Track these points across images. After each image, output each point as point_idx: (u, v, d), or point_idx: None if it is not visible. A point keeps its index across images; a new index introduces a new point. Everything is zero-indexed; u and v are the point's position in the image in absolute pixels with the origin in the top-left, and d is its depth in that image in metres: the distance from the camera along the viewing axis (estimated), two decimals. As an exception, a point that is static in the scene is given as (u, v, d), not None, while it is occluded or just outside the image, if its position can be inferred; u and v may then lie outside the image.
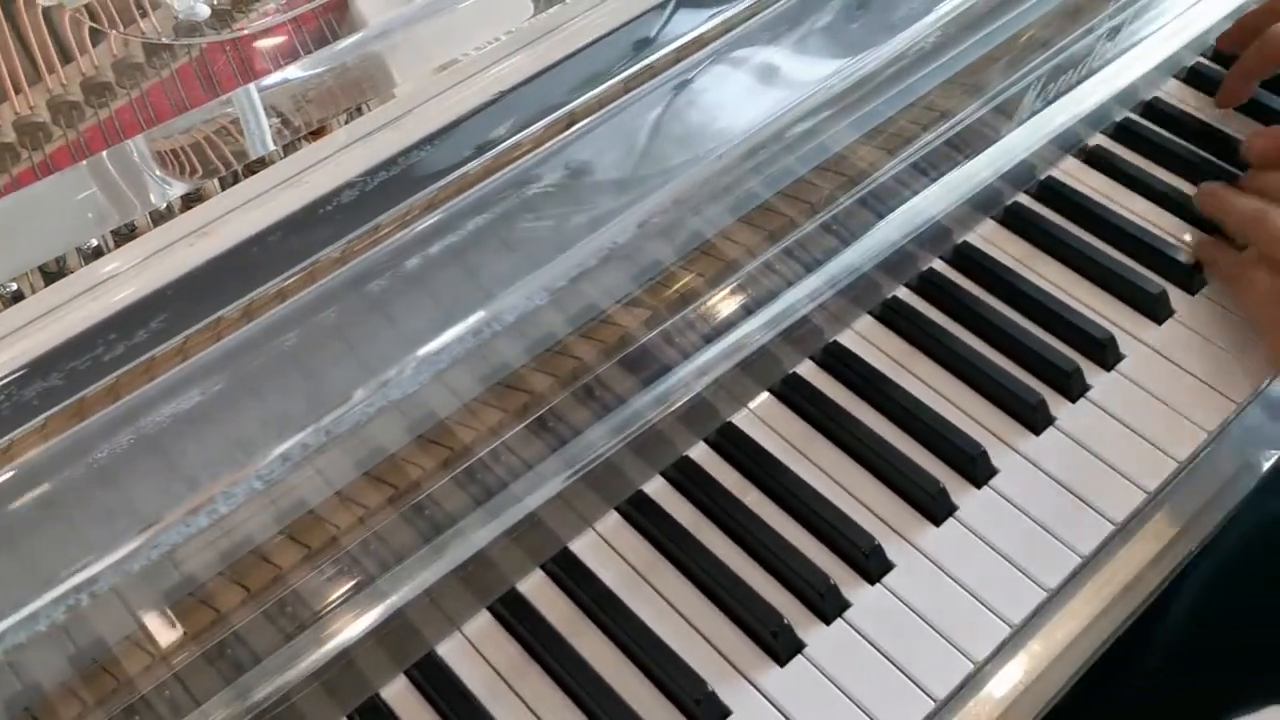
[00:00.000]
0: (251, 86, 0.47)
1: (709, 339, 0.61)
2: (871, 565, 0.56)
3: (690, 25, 0.56)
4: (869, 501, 0.58)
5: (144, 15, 0.50)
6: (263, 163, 0.47)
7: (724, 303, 0.61)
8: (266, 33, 0.49)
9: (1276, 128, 0.72)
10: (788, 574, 0.55)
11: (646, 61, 0.55)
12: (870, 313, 0.66)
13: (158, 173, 0.45)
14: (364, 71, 0.50)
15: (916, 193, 0.67)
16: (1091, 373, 0.63)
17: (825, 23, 0.61)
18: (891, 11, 0.62)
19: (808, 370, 0.63)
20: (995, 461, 0.60)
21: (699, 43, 0.57)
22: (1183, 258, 0.67)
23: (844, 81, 0.61)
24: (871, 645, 0.54)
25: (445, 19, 0.53)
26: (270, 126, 0.47)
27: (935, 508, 0.57)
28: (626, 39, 0.55)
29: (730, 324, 0.61)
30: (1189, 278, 0.66)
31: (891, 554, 0.56)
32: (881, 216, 0.66)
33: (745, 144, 0.57)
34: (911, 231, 0.66)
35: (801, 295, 0.63)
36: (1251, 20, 0.75)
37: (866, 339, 0.65)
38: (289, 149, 0.47)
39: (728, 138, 0.58)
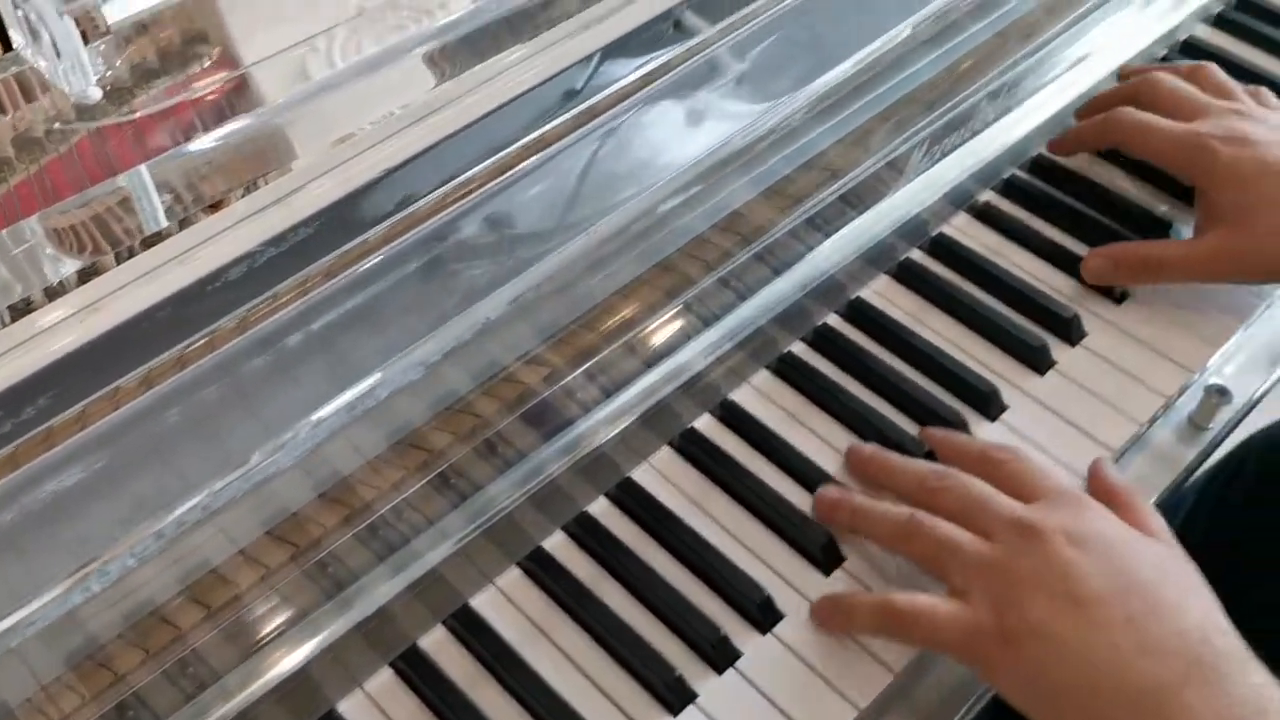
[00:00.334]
0: (143, 167, 0.48)
1: (609, 393, 0.63)
2: (762, 616, 0.58)
3: (583, 96, 0.59)
4: (762, 553, 0.60)
5: (45, 91, 0.51)
6: (159, 237, 0.48)
7: (625, 358, 0.63)
8: (164, 112, 0.50)
9: (1112, 246, 0.72)
10: (681, 626, 0.57)
11: (540, 132, 0.57)
12: (767, 367, 0.68)
13: (50, 250, 0.47)
14: (261, 146, 0.52)
15: (812, 248, 0.70)
16: (976, 423, 0.65)
17: (718, 88, 0.64)
18: (775, 80, 0.64)
19: (705, 424, 0.65)
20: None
21: (591, 112, 0.59)
22: (1064, 312, 0.70)
23: (736, 144, 0.63)
24: (761, 694, 0.56)
25: (343, 94, 0.55)
26: (164, 202, 0.48)
27: (825, 559, 0.60)
28: (522, 110, 0.57)
29: (631, 378, 0.63)
30: (1069, 330, 0.69)
31: (782, 604, 0.58)
32: (778, 272, 0.69)
33: (633, 210, 0.59)
34: (807, 286, 0.69)
35: (699, 350, 0.65)
36: (1105, 98, 0.78)
37: (762, 393, 0.67)
38: (185, 224, 0.48)
39: (622, 199, 0.60)
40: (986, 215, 0.76)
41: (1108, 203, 0.76)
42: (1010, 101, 0.77)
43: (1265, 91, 0.75)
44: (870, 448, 0.62)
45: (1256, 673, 0.49)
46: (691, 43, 0.62)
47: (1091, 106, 0.78)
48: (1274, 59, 0.87)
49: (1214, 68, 0.76)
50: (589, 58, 0.59)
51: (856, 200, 0.71)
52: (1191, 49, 0.87)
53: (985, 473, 0.58)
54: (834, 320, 0.70)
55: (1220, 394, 0.66)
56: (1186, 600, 0.52)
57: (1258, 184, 0.67)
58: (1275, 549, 0.80)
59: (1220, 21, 0.89)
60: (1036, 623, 0.51)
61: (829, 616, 0.57)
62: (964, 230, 0.75)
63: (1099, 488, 0.59)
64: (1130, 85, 0.77)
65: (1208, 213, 0.71)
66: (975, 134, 0.75)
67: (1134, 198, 0.77)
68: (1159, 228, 0.75)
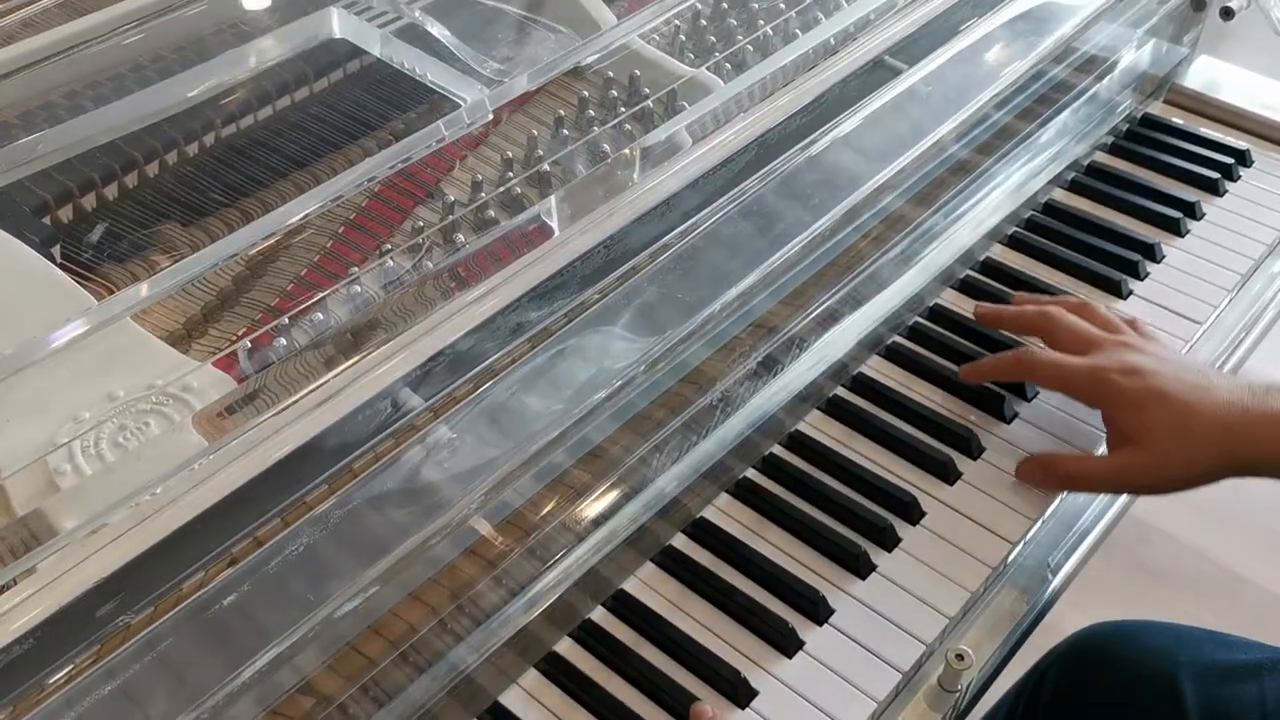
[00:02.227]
0: None
1: (514, 594, 0.69)
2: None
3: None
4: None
5: None
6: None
7: (523, 562, 0.70)
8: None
9: (1042, 456, 0.84)
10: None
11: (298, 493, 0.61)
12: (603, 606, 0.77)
13: None
14: (11, 544, 0.55)
15: (661, 471, 0.79)
16: (804, 629, 0.74)
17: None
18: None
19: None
20: (754, 684, 0.72)
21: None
22: (879, 522, 0.79)
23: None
24: None
25: (96, 484, 0.58)
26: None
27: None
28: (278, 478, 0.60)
29: (532, 579, 0.71)
30: (884, 538, 0.79)
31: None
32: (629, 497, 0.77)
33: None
34: (652, 506, 0.77)
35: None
36: (1008, 319, 0.91)
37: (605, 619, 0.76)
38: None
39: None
40: (837, 409, 0.87)
41: (919, 416, 0.88)
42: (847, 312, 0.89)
43: (1140, 321, 0.88)
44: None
45: None
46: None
47: (991, 318, 0.91)
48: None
49: (1096, 305, 0.88)
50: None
51: (698, 425, 0.80)
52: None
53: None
54: (680, 541, 0.79)
55: (960, 658, 0.72)
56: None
57: (1152, 410, 0.78)
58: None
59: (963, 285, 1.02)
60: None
61: None
62: (785, 457, 0.85)
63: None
64: (1032, 315, 0.89)
65: (1115, 434, 0.83)
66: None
67: (939, 413, 0.88)
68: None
